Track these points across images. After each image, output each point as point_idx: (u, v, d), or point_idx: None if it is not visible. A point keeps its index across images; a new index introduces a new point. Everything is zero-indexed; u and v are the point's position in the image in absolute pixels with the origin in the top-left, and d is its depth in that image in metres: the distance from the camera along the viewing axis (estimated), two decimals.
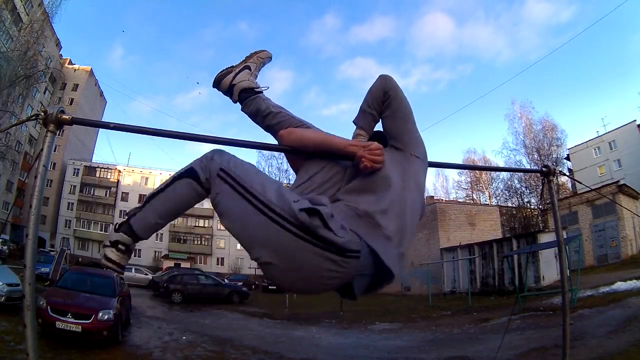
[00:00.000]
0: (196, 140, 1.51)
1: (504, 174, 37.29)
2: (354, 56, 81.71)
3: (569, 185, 32.32)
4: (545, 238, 15.53)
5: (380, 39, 76.30)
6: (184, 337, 8.37)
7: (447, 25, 71.58)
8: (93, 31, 75.12)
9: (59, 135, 1.60)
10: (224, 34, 79.90)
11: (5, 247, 22.95)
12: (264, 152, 37.28)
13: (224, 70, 1.51)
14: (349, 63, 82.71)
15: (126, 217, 1.20)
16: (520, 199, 34.87)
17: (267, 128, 1.47)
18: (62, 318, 6.04)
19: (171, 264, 37.84)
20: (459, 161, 38.97)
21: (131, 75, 76.88)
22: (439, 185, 47.32)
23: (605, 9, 52.50)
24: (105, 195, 44.70)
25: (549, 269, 14.80)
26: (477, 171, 40.20)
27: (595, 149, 35.00)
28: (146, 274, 25.07)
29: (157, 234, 45.19)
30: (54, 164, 40.24)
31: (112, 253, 1.17)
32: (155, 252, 43.73)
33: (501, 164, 33.35)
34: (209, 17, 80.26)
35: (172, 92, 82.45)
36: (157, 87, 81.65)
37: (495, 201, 37.02)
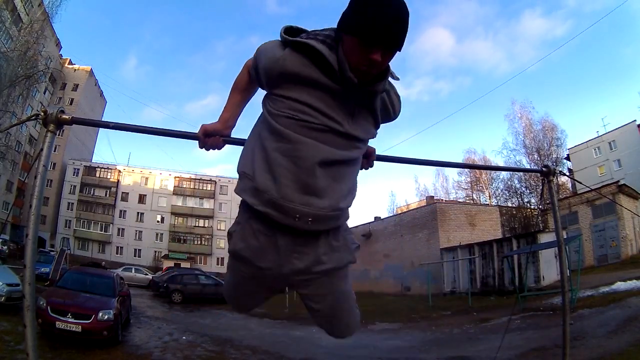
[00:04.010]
0: (195, 139, 1.51)
1: (504, 174, 37.33)
2: None
3: (569, 185, 32.31)
4: (545, 238, 15.51)
5: None
6: (184, 337, 8.37)
7: (448, 40, 73.26)
8: (109, 41, 77.40)
9: (59, 135, 1.61)
10: (235, 47, 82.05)
11: (5, 247, 22.95)
12: None
13: None
14: None
15: None
16: (520, 199, 34.87)
17: None
18: (62, 318, 6.04)
19: (171, 264, 37.82)
20: (459, 161, 39.00)
21: (145, 83, 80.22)
22: (439, 185, 47.40)
23: (603, 12, 52.68)
24: (105, 195, 44.68)
25: (549, 269, 14.79)
26: (477, 171, 40.14)
27: (595, 149, 34.99)
28: (146, 274, 25.08)
29: (157, 234, 45.55)
30: (54, 164, 40.24)
31: None
32: (155, 252, 43.74)
33: (501, 164, 33.36)
34: (221, 31, 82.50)
35: (183, 100, 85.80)
36: (169, 95, 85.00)
37: (495, 201, 37.02)
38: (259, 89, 1.25)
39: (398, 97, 1.24)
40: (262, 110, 1.19)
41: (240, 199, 1.21)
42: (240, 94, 1.30)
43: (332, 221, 1.19)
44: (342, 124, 1.11)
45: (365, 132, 1.19)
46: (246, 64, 1.24)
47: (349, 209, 1.25)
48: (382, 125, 1.25)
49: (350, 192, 1.22)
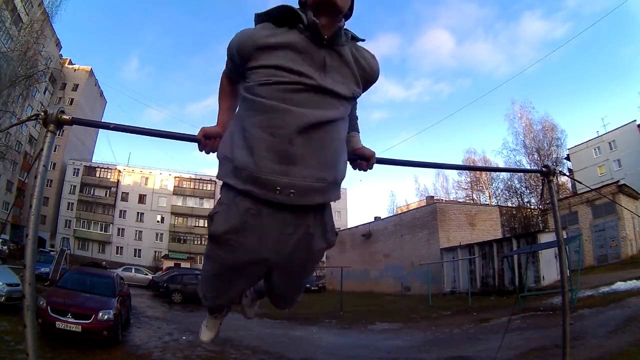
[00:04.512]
0: (195, 142, 1.51)
1: (504, 174, 37.33)
2: None
3: (569, 185, 32.30)
4: (545, 238, 15.51)
5: (385, 55, 78.19)
6: (184, 337, 8.36)
7: (448, 42, 73.60)
8: (110, 42, 77.72)
9: (59, 135, 1.61)
10: None
11: (5, 247, 22.94)
12: None
13: None
14: None
15: None
16: (520, 199, 34.86)
17: None
18: (62, 318, 6.03)
19: (171, 264, 37.79)
20: (459, 161, 39.05)
21: (146, 84, 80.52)
22: (439, 185, 47.42)
23: (602, 13, 52.67)
24: (105, 195, 44.66)
25: (549, 269, 14.79)
26: (477, 171, 40.16)
27: (595, 149, 34.97)
28: (146, 274, 25.07)
29: (157, 234, 45.45)
30: (54, 164, 40.20)
31: None
32: (155, 252, 43.72)
33: (501, 164, 33.39)
34: (223, 32, 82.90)
35: (184, 100, 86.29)
36: (170, 96, 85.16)
37: (495, 201, 37.01)
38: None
39: (372, 55, 1.29)
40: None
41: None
42: (228, 97, 1.35)
43: (317, 195, 1.16)
44: (314, 77, 1.12)
45: (345, 87, 1.19)
46: (223, 71, 1.34)
47: (338, 186, 1.22)
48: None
49: (336, 163, 1.18)
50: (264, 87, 1.11)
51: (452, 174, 47.67)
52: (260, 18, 1.20)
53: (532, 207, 33.21)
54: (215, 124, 1.35)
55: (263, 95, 1.11)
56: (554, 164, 29.10)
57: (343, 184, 1.27)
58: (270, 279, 1.37)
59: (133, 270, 25.12)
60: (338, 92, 1.16)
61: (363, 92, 1.30)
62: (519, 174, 35.17)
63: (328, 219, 1.27)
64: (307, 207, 1.17)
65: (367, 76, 1.27)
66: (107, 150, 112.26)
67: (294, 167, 1.09)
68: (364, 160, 1.40)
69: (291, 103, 1.09)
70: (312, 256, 1.30)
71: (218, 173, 1.22)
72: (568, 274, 6.01)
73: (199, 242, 46.01)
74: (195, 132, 1.36)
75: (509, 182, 35.97)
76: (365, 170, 1.42)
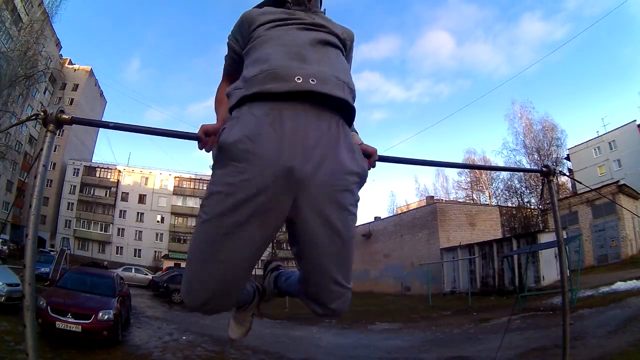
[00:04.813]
0: (195, 140, 1.51)
1: (504, 174, 37.32)
2: (362, 70, 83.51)
3: (569, 185, 32.31)
4: (545, 238, 15.52)
5: (386, 57, 78.28)
6: (184, 337, 8.38)
7: (448, 43, 73.71)
8: (112, 44, 77.93)
9: (58, 135, 1.60)
10: None
11: (5, 247, 22.95)
12: None
13: None
14: (357, 77, 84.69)
15: None
16: (520, 199, 34.85)
17: None
18: (62, 318, 6.04)
19: (171, 264, 37.78)
20: (459, 161, 38.98)
21: (148, 85, 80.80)
22: (439, 185, 47.39)
23: (602, 14, 52.68)
24: (105, 195, 44.68)
25: (549, 269, 14.79)
26: (477, 171, 40.15)
27: (595, 149, 34.99)
28: (146, 274, 25.10)
29: (157, 234, 45.37)
30: (54, 164, 40.23)
31: None
32: (155, 252, 43.73)
33: (501, 164, 33.33)
34: (224, 33, 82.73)
35: (185, 101, 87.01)
36: (171, 97, 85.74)
37: (495, 201, 37.01)
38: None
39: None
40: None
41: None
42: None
43: (337, 88, 1.12)
44: (307, 19, 1.29)
45: (334, 27, 1.32)
46: (219, 85, 1.47)
47: (353, 95, 1.21)
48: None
49: (346, 70, 1.26)
50: (269, 30, 1.25)
51: (452, 174, 47.74)
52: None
53: (532, 207, 33.21)
54: (216, 121, 1.34)
55: (269, 34, 1.24)
56: (554, 164, 29.09)
57: None
58: (295, 230, 1.10)
59: (133, 270, 25.16)
60: (331, 29, 1.30)
61: (348, 52, 1.41)
62: (519, 174, 35.14)
63: (350, 139, 1.19)
64: (330, 99, 1.10)
65: (347, 36, 1.39)
66: (107, 150, 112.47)
67: (310, 65, 1.14)
68: (366, 157, 1.39)
69: (295, 32, 1.25)
70: (344, 178, 1.11)
71: (229, 108, 1.21)
72: (568, 274, 6.00)
73: None
74: (195, 131, 1.35)
75: (509, 182, 36.02)
76: (367, 168, 1.41)
